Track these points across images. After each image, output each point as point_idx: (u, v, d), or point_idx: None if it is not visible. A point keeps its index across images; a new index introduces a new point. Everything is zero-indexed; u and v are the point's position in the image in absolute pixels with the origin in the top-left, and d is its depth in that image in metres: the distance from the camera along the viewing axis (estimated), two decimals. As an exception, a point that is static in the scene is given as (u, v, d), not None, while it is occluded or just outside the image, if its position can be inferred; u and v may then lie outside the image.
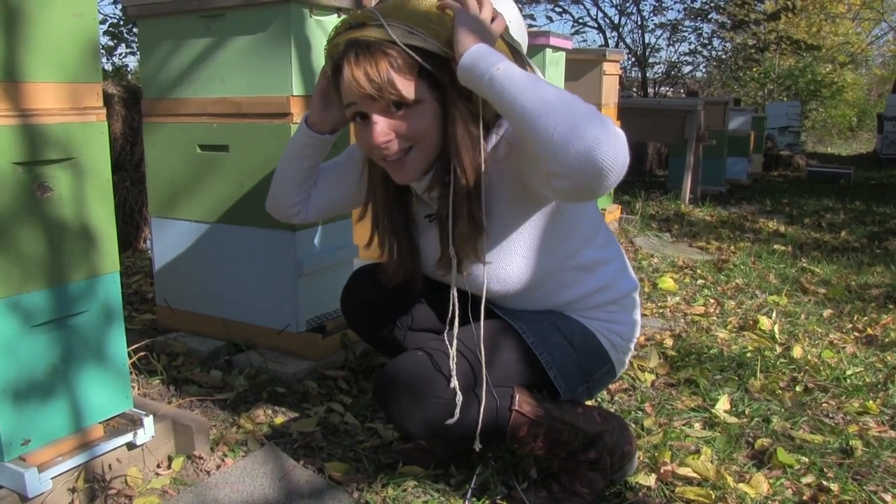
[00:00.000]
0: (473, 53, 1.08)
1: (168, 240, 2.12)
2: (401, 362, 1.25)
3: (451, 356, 1.22)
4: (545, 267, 1.29)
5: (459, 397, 1.21)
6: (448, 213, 1.22)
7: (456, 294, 1.27)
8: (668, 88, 13.18)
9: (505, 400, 1.27)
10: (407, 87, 1.15)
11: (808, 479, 1.48)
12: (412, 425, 1.24)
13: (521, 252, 1.26)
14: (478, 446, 1.28)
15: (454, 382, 1.21)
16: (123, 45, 5.50)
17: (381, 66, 1.14)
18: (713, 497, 1.39)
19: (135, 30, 5.32)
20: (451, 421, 1.22)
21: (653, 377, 2.01)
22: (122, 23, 5.34)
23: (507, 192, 1.23)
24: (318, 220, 1.64)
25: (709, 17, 11.18)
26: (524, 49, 1.34)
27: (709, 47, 12.45)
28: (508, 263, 1.27)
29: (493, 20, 1.14)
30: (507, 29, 1.20)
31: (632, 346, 1.41)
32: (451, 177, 1.21)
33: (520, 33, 1.33)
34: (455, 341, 1.23)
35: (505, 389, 1.29)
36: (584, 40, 12.31)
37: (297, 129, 1.42)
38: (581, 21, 11.35)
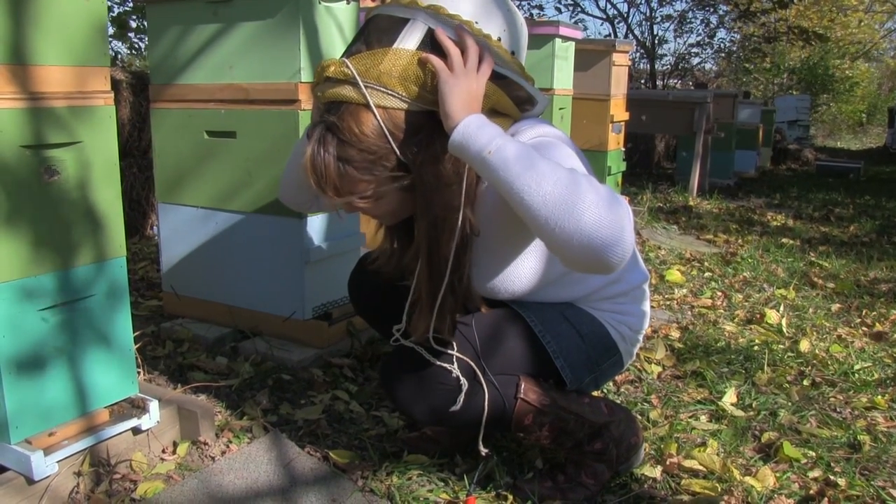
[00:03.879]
0: (462, 133, 1.03)
1: (174, 226, 2.12)
2: (406, 349, 1.25)
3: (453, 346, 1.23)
4: (554, 273, 1.28)
5: (465, 384, 1.21)
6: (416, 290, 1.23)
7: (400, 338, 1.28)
8: (676, 80, 13.11)
9: (510, 388, 1.27)
10: (363, 191, 1.14)
11: (815, 473, 1.47)
12: (417, 411, 1.24)
13: (529, 264, 1.25)
14: (482, 451, 1.28)
15: (456, 371, 1.21)
16: (132, 33, 5.50)
17: (331, 171, 1.11)
18: (719, 490, 1.39)
19: (131, 20, 5.32)
20: (454, 408, 1.22)
21: (659, 369, 2.00)
22: (130, 10, 5.34)
23: (512, 212, 1.21)
24: (330, 212, 1.65)
25: (716, 6, 11.10)
26: (525, 47, 1.28)
27: (715, 38, 12.38)
28: (516, 276, 1.26)
29: (479, 64, 1.08)
30: (501, 46, 1.17)
31: (640, 338, 1.40)
32: (418, 246, 1.19)
33: (517, 35, 1.27)
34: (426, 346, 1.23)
35: (510, 377, 1.28)
36: (586, 28, 12.20)
37: (303, 136, 1.42)
38: (580, 7, 11.27)
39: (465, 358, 1.24)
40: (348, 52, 1.15)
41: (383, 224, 1.31)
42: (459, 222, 1.13)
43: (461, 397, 1.22)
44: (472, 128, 1.03)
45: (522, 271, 1.26)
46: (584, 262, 0.99)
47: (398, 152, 1.11)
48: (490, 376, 1.26)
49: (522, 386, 1.28)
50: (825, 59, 15.08)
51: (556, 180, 0.98)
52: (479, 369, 1.25)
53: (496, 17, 1.19)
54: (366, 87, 1.08)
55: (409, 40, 1.10)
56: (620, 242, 0.96)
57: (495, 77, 1.13)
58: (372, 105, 1.08)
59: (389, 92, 1.08)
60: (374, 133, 1.10)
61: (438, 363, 1.22)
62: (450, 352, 1.23)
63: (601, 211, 0.96)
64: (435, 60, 1.07)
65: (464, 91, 1.06)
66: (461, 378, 1.22)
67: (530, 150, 1.03)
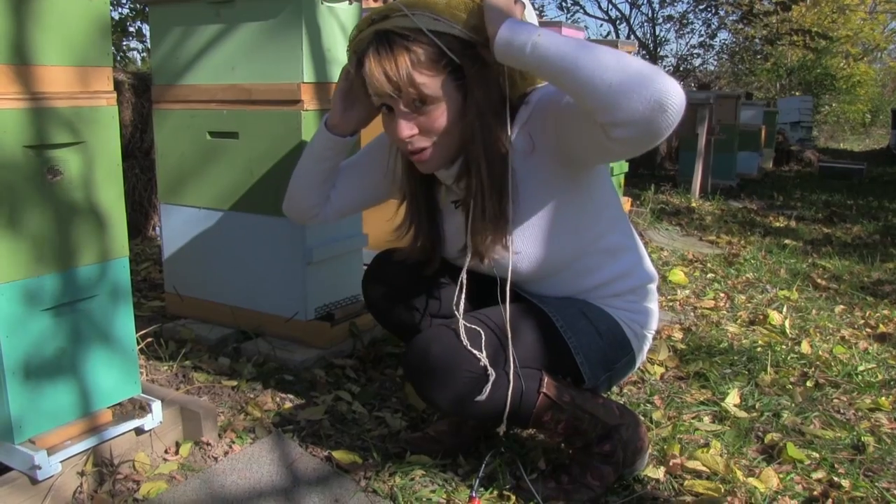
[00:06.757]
0: (509, 27, 1.08)
1: (177, 226, 2.12)
2: (433, 335, 1.24)
3: (461, 334, 1.23)
4: (573, 248, 1.29)
5: (492, 374, 1.21)
6: (471, 203, 1.23)
7: (465, 279, 1.29)
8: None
9: (533, 382, 1.26)
10: (428, 84, 1.16)
11: (819, 474, 1.47)
12: (441, 399, 1.23)
13: (551, 233, 1.26)
14: (502, 429, 1.28)
15: (484, 360, 1.21)
16: (133, 38, 5.52)
17: (402, 62, 1.14)
18: (722, 491, 1.38)
19: (130, 26, 5.34)
20: (480, 398, 1.21)
21: (662, 370, 1.99)
22: (131, 14, 5.35)
23: (539, 171, 1.23)
24: (336, 222, 1.65)
25: (717, 8, 11.11)
26: None
27: (716, 39, 12.42)
28: (538, 244, 1.26)
29: (514, 2, 1.14)
30: (524, 13, 1.19)
31: (650, 337, 1.40)
32: (472, 168, 1.22)
33: (532, 19, 1.32)
34: (463, 323, 1.24)
35: (533, 371, 1.28)
36: (586, 27, 12.26)
37: (317, 132, 1.43)
38: (581, 8, 11.35)
39: (496, 339, 1.23)
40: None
41: (426, 169, 1.29)
42: (504, 152, 1.20)
43: (488, 387, 1.21)
44: (516, 24, 1.08)
45: (544, 242, 1.26)
46: (642, 116, 0.99)
47: (456, 59, 1.15)
48: (517, 368, 1.25)
49: (545, 381, 1.27)
50: (822, 59, 15.05)
51: (605, 47, 1.03)
52: (509, 359, 1.24)
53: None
54: (413, 14, 1.14)
55: None
56: (676, 91, 0.99)
57: None
58: (422, 27, 1.13)
59: (437, 17, 1.13)
60: (428, 45, 1.14)
61: (469, 347, 1.21)
62: (478, 329, 1.23)
63: (650, 66, 1.00)
64: None
65: (505, 7, 1.11)
66: (489, 368, 1.21)
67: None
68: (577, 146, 1.18)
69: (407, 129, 1.20)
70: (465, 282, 1.29)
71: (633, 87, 0.98)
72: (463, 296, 1.27)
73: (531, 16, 1.28)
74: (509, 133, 1.20)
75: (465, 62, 1.16)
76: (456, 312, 1.27)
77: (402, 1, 1.16)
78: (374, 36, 1.17)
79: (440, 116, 1.19)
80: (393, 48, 1.15)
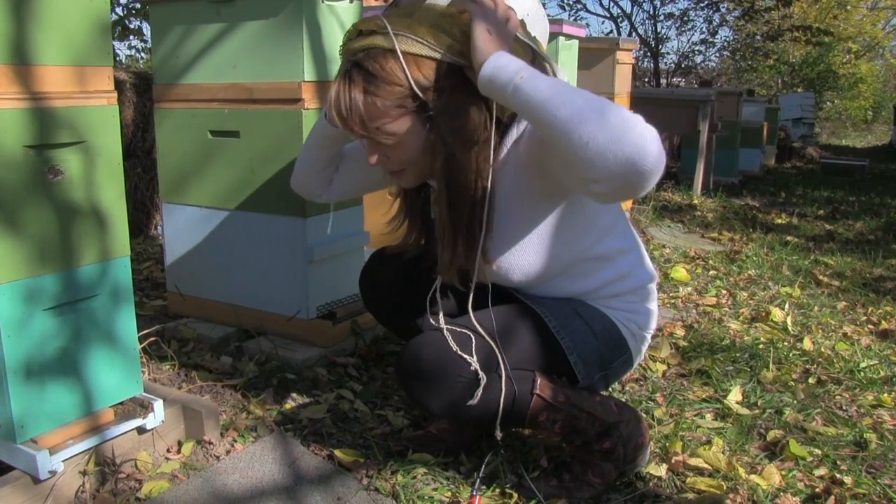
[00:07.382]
0: (493, 64, 1.06)
1: (178, 225, 2.12)
2: (424, 340, 1.25)
3: (450, 339, 1.23)
4: (566, 258, 1.28)
5: (483, 378, 1.21)
6: (442, 235, 1.25)
7: (439, 296, 1.32)
8: (680, 79, 13.10)
9: (526, 383, 1.26)
10: (385, 127, 1.16)
11: (821, 471, 1.47)
12: (434, 403, 1.24)
13: (543, 244, 1.25)
14: (499, 434, 1.28)
15: (475, 364, 1.21)
16: (133, 36, 5.53)
17: (357, 105, 1.14)
18: (724, 488, 1.38)
19: (130, 22, 5.34)
20: (472, 402, 1.21)
21: (664, 367, 1.99)
22: (129, 13, 5.34)
23: (530, 186, 1.22)
24: (343, 200, 1.71)
25: (717, 5, 11.10)
26: (545, 40, 1.32)
27: (717, 36, 12.40)
28: (530, 255, 1.26)
29: (507, 20, 1.11)
30: (524, 25, 1.18)
31: (648, 337, 1.40)
32: (439, 203, 1.22)
33: (538, 24, 1.30)
34: (445, 328, 1.24)
35: (526, 373, 1.28)
36: (588, 24, 12.27)
37: (317, 120, 1.43)
38: (583, 5, 11.35)
39: (488, 343, 1.23)
40: (383, 12, 1.19)
41: (405, 186, 1.31)
42: (481, 183, 1.18)
43: (479, 391, 1.21)
44: (502, 60, 1.06)
45: (536, 253, 1.26)
46: (619, 179, 0.97)
47: (422, 95, 1.13)
48: (508, 371, 1.25)
49: (538, 382, 1.27)
50: (825, 57, 15.03)
51: (587, 97, 1.01)
52: (500, 363, 1.24)
53: (521, 1, 1.25)
54: (395, 34, 1.12)
55: None
56: (655, 156, 0.96)
57: (522, 44, 1.17)
58: (398, 50, 1.11)
59: (418, 39, 1.11)
60: (400, 77, 1.13)
61: (459, 353, 1.21)
62: (469, 333, 1.23)
63: (634, 125, 0.97)
64: (468, 3, 1.11)
65: (494, 31, 1.09)
66: (479, 371, 1.21)
67: (561, 80, 1.06)
68: (561, 180, 1.18)
69: (373, 157, 1.22)
70: (438, 299, 1.31)
71: (609, 145, 0.96)
72: (441, 312, 1.28)
73: (541, 21, 1.26)
74: (491, 155, 1.17)
75: (433, 96, 1.14)
76: (433, 321, 1.27)
77: (387, 15, 1.15)
78: (346, 67, 1.16)
79: (403, 151, 1.20)
80: (352, 88, 1.14)
